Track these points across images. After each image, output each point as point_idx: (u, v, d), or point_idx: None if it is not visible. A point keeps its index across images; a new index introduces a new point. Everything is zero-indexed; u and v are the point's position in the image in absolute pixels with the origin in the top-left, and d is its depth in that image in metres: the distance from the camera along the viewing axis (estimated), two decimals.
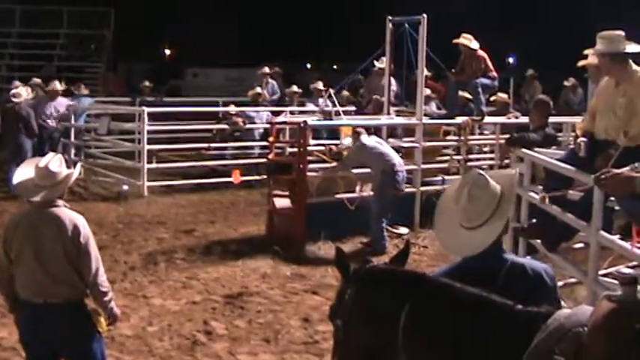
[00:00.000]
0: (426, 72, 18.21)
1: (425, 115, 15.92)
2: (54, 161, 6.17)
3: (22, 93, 18.71)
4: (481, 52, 15.75)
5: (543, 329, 3.36)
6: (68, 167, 6.35)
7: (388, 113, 16.49)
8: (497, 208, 4.35)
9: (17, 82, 21.38)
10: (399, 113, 17.31)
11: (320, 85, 22.10)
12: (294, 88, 22.75)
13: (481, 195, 4.36)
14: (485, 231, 4.32)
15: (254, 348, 8.84)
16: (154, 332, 9.25)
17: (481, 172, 4.52)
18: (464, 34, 15.75)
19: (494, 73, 15.95)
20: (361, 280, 4.03)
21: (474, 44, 15.65)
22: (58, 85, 19.80)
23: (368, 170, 13.70)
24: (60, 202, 6.18)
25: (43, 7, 38.51)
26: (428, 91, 19.28)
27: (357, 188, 14.00)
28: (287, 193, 13.77)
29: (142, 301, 10.36)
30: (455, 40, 15.73)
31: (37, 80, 21.77)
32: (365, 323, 3.93)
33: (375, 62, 18.13)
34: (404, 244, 4.32)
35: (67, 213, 6.15)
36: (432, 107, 19.10)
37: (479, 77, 15.66)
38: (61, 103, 19.81)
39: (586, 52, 9.39)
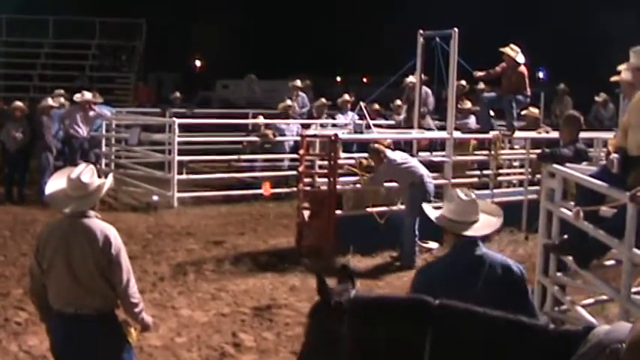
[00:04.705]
0: (464, 83, 18.22)
1: (466, 129, 15.96)
2: (86, 172, 6.17)
3: (48, 101, 18.93)
4: (523, 68, 15.66)
5: (582, 345, 3.33)
6: (99, 177, 6.36)
7: (420, 127, 16.46)
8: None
9: (61, 91, 21.67)
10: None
11: (348, 97, 22.12)
12: (323, 100, 22.71)
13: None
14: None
15: None
16: (183, 343, 9.27)
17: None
18: (511, 45, 15.66)
19: (529, 92, 15.87)
20: (359, 313, 3.86)
21: (520, 58, 15.57)
22: (89, 95, 19.89)
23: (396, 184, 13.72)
24: (91, 212, 6.18)
25: (75, 18, 38.82)
26: (469, 104, 19.22)
27: (399, 202, 13.97)
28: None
29: (171, 312, 10.38)
30: (501, 49, 15.64)
31: (61, 91, 21.92)
32: (375, 359, 3.84)
33: (411, 77, 18.05)
34: (341, 267, 4.37)
35: (98, 224, 6.15)
36: (472, 120, 19.00)
37: (514, 92, 15.59)
38: (96, 113, 19.96)
39: (619, 67, 9.32)
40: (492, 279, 5.27)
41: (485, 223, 5.59)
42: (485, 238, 6.27)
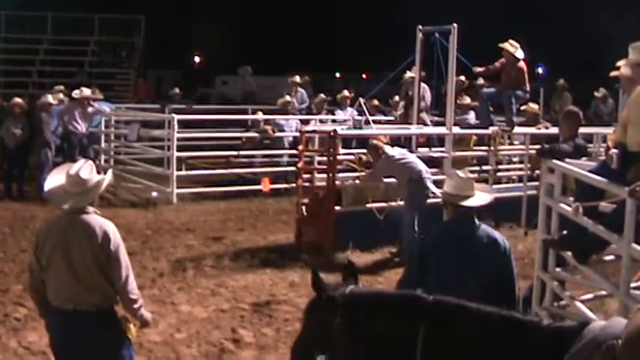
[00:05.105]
0: (463, 78, 18.19)
1: (465, 125, 15.96)
2: (85, 168, 6.15)
3: (48, 98, 18.91)
4: (522, 64, 15.66)
5: (577, 341, 3.32)
6: (99, 174, 6.35)
7: (418, 122, 16.45)
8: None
9: (61, 87, 21.68)
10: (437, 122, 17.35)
11: (347, 93, 22.08)
12: (322, 96, 22.70)
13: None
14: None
15: (282, 356, 8.81)
16: (182, 339, 9.27)
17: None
18: (511, 41, 15.66)
19: (528, 88, 15.87)
20: (353, 308, 3.89)
21: (519, 53, 15.58)
22: (88, 92, 19.84)
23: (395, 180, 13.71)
24: (90, 208, 6.17)
25: (74, 15, 38.74)
26: (467, 100, 19.18)
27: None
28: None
29: (170, 308, 10.38)
30: (500, 44, 15.65)
31: (61, 87, 21.96)
32: (369, 354, 3.83)
33: (408, 72, 18.01)
34: (347, 264, 4.57)
35: (97, 220, 6.14)
36: (471, 116, 18.95)
37: (513, 88, 15.59)
38: (94, 109, 19.92)
39: (619, 63, 9.31)
40: (482, 245, 6.50)
41: (479, 198, 6.70)
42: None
